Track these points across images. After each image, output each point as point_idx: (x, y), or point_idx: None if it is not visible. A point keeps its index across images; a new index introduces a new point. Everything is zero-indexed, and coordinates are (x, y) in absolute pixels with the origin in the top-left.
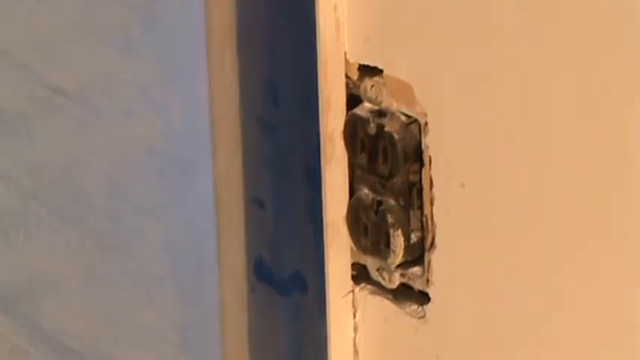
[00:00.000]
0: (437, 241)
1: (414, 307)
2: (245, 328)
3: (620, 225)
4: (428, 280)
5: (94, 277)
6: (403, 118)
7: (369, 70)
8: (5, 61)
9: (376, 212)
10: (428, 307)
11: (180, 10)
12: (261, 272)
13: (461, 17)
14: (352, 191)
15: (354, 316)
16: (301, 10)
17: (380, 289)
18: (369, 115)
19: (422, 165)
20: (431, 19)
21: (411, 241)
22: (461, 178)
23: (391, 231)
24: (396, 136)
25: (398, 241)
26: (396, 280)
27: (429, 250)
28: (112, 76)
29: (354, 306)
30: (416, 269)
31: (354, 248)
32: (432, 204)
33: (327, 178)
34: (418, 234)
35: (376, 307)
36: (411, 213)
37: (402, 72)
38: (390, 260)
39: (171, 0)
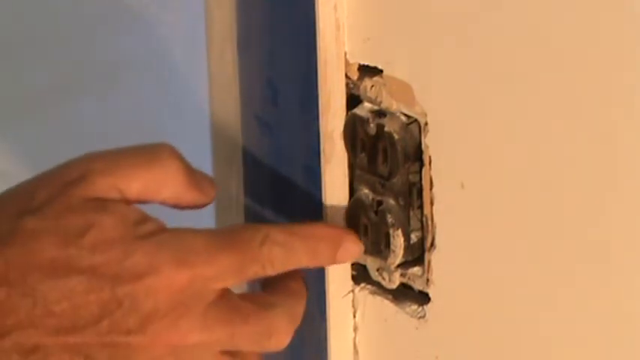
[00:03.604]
0: (437, 241)
1: (414, 307)
2: None
3: (621, 224)
4: (428, 280)
5: None
6: (403, 118)
7: (369, 70)
8: (5, 58)
9: (376, 212)
10: (428, 307)
11: (180, 10)
12: None
13: (461, 17)
14: (352, 191)
15: (354, 316)
16: (301, 10)
17: (380, 289)
18: (369, 115)
19: (422, 165)
20: (431, 19)
21: (411, 241)
22: (461, 178)
23: (391, 231)
24: (396, 136)
25: (398, 241)
26: (396, 280)
27: (429, 250)
28: (112, 76)
29: (354, 306)
30: (416, 269)
31: None
32: (432, 204)
33: (327, 178)
34: (418, 234)
35: (376, 307)
36: (411, 213)
37: (402, 72)
38: (390, 260)
39: (172, 0)
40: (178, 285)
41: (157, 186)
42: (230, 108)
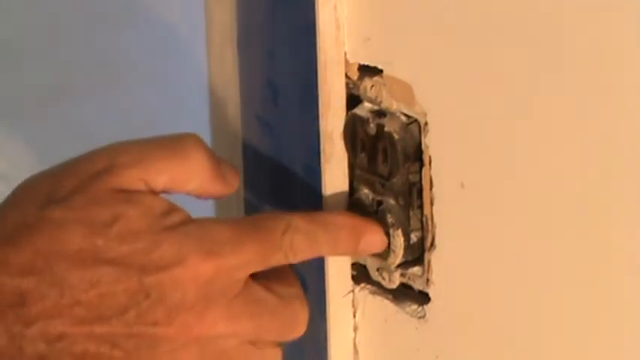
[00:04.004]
0: (437, 241)
1: (414, 307)
2: None
3: (621, 225)
4: (428, 280)
5: None
6: (403, 118)
7: (369, 70)
8: (5, 58)
9: (376, 212)
10: (428, 307)
11: (180, 10)
12: None
13: (461, 17)
14: (352, 191)
15: (354, 316)
16: (301, 10)
17: (380, 289)
18: (369, 115)
19: (422, 165)
20: (431, 19)
21: (411, 241)
22: (461, 178)
23: (391, 231)
24: (396, 136)
25: (398, 241)
26: (396, 280)
27: (429, 250)
28: (112, 77)
29: (354, 306)
30: (416, 269)
31: None
32: (432, 204)
33: (326, 178)
34: (418, 234)
35: (376, 307)
36: (411, 213)
37: (402, 72)
38: (390, 260)
39: (172, 0)
40: (205, 276)
41: (183, 178)
42: (230, 108)
